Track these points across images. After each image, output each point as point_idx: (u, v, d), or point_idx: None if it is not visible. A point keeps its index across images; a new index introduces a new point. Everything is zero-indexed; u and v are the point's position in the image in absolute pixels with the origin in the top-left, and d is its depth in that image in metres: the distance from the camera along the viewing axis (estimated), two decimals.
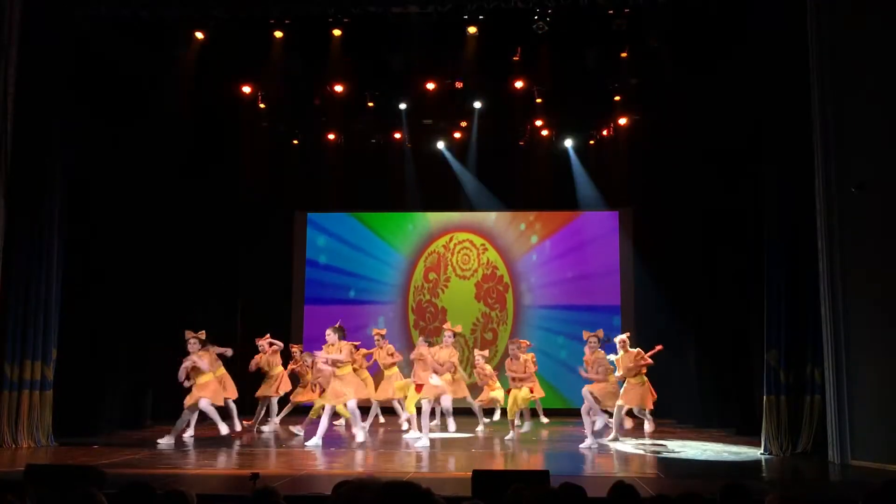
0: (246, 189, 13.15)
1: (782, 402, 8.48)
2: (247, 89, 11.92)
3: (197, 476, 7.23)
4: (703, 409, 11.46)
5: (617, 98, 12.12)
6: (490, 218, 14.43)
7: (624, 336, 9.96)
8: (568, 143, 13.61)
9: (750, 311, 10.19)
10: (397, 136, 13.55)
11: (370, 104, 12.50)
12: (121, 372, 10.63)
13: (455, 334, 10.07)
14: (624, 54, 10.82)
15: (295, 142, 13.69)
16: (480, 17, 9.76)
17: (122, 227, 10.82)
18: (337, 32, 10.21)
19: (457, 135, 13.63)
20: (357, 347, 10.23)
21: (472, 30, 10.04)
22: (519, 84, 11.64)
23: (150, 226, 11.23)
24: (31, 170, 9.22)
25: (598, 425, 9.23)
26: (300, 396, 10.92)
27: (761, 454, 8.53)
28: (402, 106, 12.79)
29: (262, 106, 12.42)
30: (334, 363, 9.20)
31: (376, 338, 11.15)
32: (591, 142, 13.59)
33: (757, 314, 9.46)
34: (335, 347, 9.29)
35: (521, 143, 13.55)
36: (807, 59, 8.44)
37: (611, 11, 9.64)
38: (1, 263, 8.94)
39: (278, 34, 10.24)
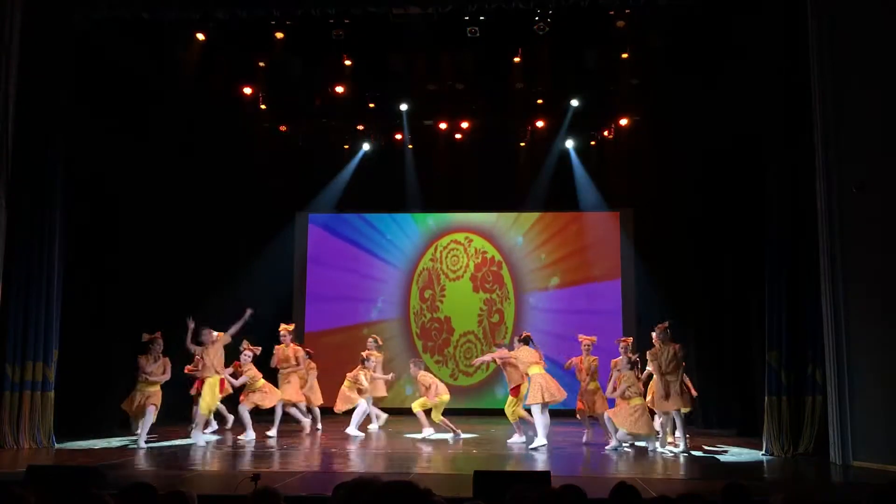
0: (247, 190, 13.14)
1: (783, 403, 8.48)
2: (248, 90, 11.93)
3: (198, 476, 7.23)
4: (704, 409, 11.45)
5: (618, 98, 12.11)
6: (490, 219, 14.41)
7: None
8: (569, 143, 13.61)
9: (751, 312, 10.19)
10: (398, 136, 13.55)
11: (371, 105, 12.48)
12: (122, 373, 10.62)
13: None
14: (625, 55, 10.82)
15: (297, 143, 13.69)
16: (481, 17, 9.77)
17: (122, 227, 10.82)
18: (338, 33, 10.21)
19: (458, 136, 13.62)
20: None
21: (472, 30, 10.03)
22: (519, 85, 11.64)
23: (151, 226, 11.23)
24: (32, 171, 9.21)
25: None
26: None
27: (762, 455, 8.53)
28: (403, 107, 12.80)
29: (262, 107, 12.43)
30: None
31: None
32: (592, 142, 13.59)
33: (758, 314, 9.46)
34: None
35: (522, 143, 13.55)
36: (808, 59, 8.44)
37: (611, 12, 9.64)
38: (2, 264, 8.93)
39: (279, 35, 10.24)
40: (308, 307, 14.23)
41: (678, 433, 8.88)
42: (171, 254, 11.57)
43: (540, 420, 9.18)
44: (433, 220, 14.49)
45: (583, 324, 13.77)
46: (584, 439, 9.72)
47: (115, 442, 9.43)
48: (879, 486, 3.33)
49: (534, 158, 13.56)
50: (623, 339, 10.02)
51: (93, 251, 10.33)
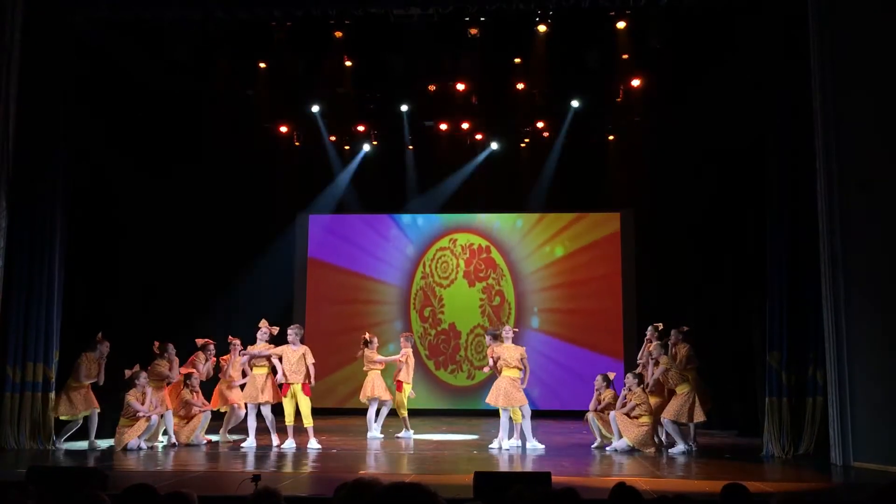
0: (247, 191, 13.14)
1: (784, 404, 8.47)
2: (248, 91, 11.93)
3: (199, 477, 7.23)
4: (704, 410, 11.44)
5: (618, 99, 12.11)
6: (490, 220, 14.39)
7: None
8: (569, 144, 13.58)
9: (751, 312, 10.19)
10: (398, 137, 13.54)
11: (371, 106, 12.47)
12: (122, 373, 10.63)
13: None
14: (625, 55, 10.82)
15: (296, 143, 13.69)
16: (482, 18, 9.77)
17: (123, 227, 10.83)
18: (338, 34, 10.22)
19: (458, 136, 13.61)
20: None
21: (473, 31, 10.04)
22: (520, 85, 11.64)
23: (151, 226, 11.23)
24: (33, 171, 9.22)
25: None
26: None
27: (763, 455, 8.52)
28: (404, 108, 12.80)
29: (263, 107, 12.43)
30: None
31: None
32: (593, 142, 13.57)
33: (758, 315, 9.45)
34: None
35: (523, 144, 13.55)
36: (808, 59, 8.44)
37: (612, 13, 9.64)
38: (3, 264, 8.94)
39: (280, 35, 10.24)
40: (309, 302, 14.23)
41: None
42: (172, 253, 11.57)
43: (505, 421, 9.19)
44: (423, 226, 14.38)
45: (582, 323, 13.81)
46: (595, 444, 9.44)
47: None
48: (880, 487, 3.32)
49: (534, 158, 13.56)
50: (655, 325, 9.66)
51: (94, 251, 10.32)
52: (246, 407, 9.65)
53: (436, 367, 14.05)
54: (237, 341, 10.23)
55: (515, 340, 9.53)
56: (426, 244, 14.42)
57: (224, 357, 10.25)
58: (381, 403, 10.28)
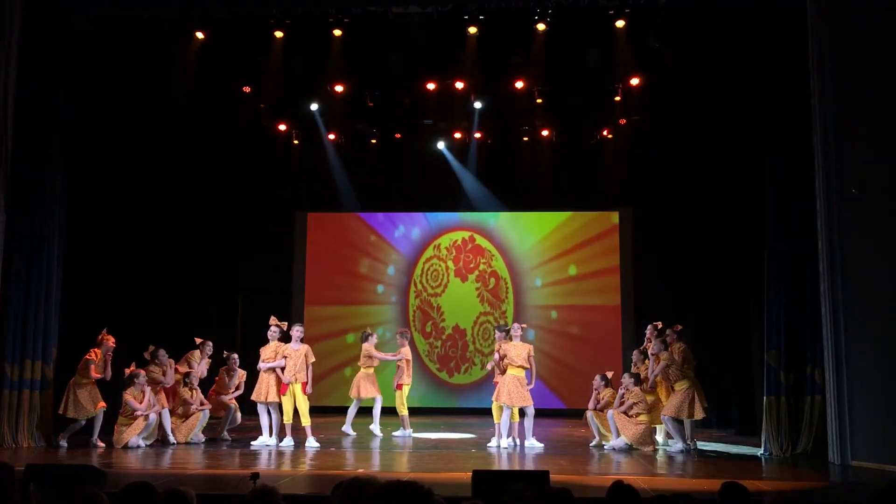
0: (246, 189, 13.13)
1: (782, 403, 8.48)
2: (247, 89, 11.92)
3: (197, 475, 7.23)
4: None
5: (617, 98, 12.11)
6: (487, 218, 14.36)
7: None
8: (568, 142, 13.58)
9: (750, 312, 10.19)
10: (397, 136, 13.53)
11: (370, 104, 12.49)
12: (121, 371, 10.61)
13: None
14: (625, 54, 10.81)
15: (295, 142, 13.69)
16: (481, 16, 9.77)
17: (122, 226, 10.81)
18: (337, 32, 10.21)
19: (457, 135, 13.62)
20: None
21: (472, 30, 10.04)
22: (519, 84, 11.64)
23: (150, 225, 11.21)
24: (32, 170, 9.21)
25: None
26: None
27: (761, 454, 8.53)
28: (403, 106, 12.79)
29: (262, 105, 12.42)
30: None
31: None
32: (592, 142, 13.58)
33: (757, 314, 9.47)
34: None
35: (522, 143, 13.54)
36: (807, 59, 8.45)
37: (611, 11, 9.64)
38: (1, 263, 8.93)
39: (279, 34, 10.24)
40: (308, 302, 14.19)
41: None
42: (171, 252, 11.55)
43: (506, 420, 9.16)
44: (411, 236, 14.32)
45: (582, 323, 13.81)
46: (593, 443, 9.44)
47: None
48: (880, 486, 3.32)
49: (534, 158, 13.54)
50: (654, 324, 9.62)
51: (92, 250, 10.31)
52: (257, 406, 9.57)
53: (449, 374, 13.96)
54: (234, 356, 10.28)
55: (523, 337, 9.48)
56: (415, 257, 14.31)
57: (222, 367, 10.29)
58: (373, 401, 10.29)
